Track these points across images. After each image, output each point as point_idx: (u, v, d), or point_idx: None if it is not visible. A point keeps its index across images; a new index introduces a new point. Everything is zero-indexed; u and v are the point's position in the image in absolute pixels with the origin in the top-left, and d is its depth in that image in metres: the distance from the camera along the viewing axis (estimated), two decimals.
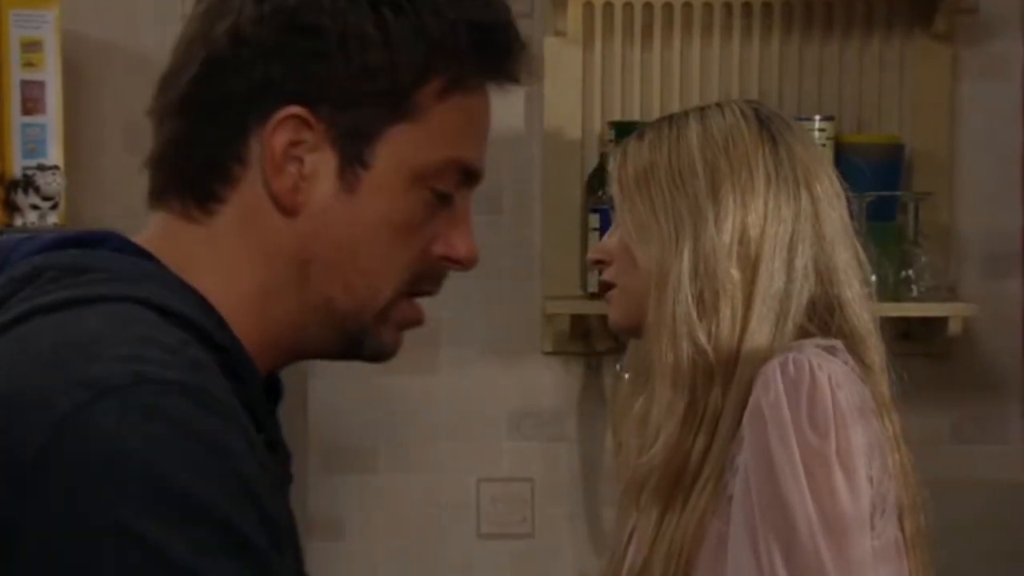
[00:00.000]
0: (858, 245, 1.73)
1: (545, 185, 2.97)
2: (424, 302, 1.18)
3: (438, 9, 1.12)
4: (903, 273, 2.86)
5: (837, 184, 1.75)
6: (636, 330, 1.76)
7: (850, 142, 2.91)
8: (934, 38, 2.97)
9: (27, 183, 2.74)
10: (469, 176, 1.16)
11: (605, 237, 1.80)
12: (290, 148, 1.11)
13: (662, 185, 1.70)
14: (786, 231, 1.69)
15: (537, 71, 1.16)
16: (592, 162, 2.94)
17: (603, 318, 2.90)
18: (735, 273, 1.67)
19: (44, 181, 2.74)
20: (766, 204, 1.69)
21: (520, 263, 2.98)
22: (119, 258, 1.10)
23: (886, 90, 2.99)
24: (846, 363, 1.65)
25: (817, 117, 2.86)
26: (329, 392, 2.92)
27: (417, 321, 1.17)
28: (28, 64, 2.75)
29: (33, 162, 2.75)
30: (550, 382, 3.00)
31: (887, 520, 1.66)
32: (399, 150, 1.12)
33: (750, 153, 1.71)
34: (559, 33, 2.93)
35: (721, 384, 1.66)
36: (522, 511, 3.01)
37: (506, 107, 3.07)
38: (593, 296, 2.85)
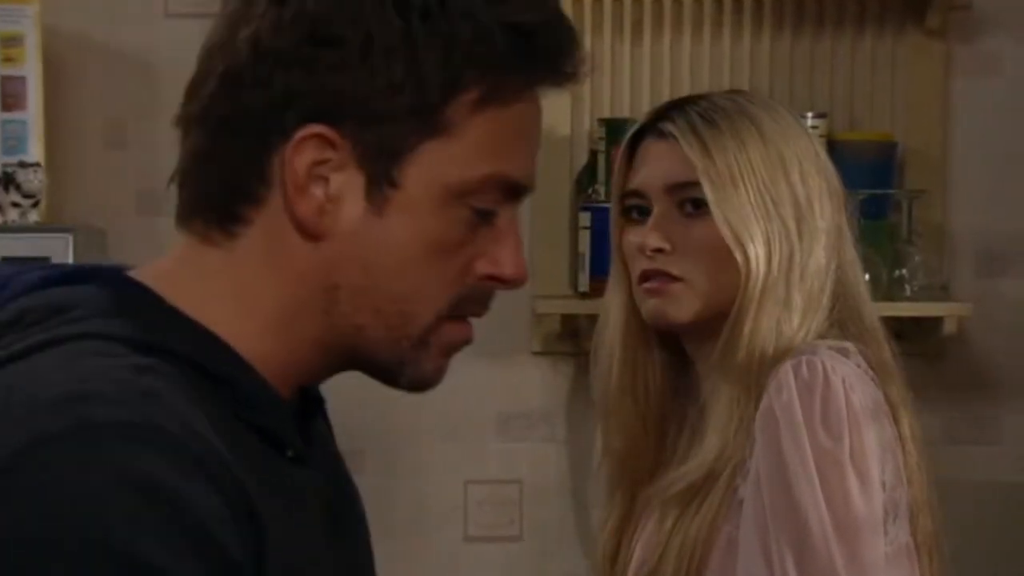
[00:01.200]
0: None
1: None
2: None
3: (472, 12, 1.04)
4: (896, 272, 2.83)
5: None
6: (697, 328, 1.69)
7: (843, 140, 2.88)
8: (927, 34, 2.95)
9: (8, 180, 2.70)
10: (514, 191, 1.08)
11: (657, 226, 1.70)
12: (313, 168, 1.04)
13: (762, 188, 1.66)
14: (835, 244, 1.70)
15: (590, 65, 1.09)
16: (581, 160, 2.91)
17: (592, 318, 2.90)
18: (817, 285, 1.67)
19: (25, 178, 2.71)
20: (831, 217, 1.69)
21: None
22: (101, 294, 1.06)
23: (878, 87, 2.97)
24: (859, 365, 1.64)
25: (809, 114, 2.83)
26: None
27: (465, 342, 1.11)
28: (8, 59, 2.71)
29: (14, 159, 2.71)
30: (539, 382, 2.97)
31: (899, 526, 1.65)
32: (431, 168, 1.04)
33: (820, 163, 1.70)
34: None
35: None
36: (510, 513, 2.99)
37: None
38: (584, 295, 2.83)
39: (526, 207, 2.96)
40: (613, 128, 2.80)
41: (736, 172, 1.66)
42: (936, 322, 2.85)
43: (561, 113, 2.91)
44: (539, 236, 2.93)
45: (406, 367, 1.09)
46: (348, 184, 1.04)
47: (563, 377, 2.97)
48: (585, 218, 2.83)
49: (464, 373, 2.99)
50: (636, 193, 1.73)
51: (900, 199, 2.87)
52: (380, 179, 1.04)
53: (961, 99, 2.98)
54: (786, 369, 1.60)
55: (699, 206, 1.68)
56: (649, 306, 1.70)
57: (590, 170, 2.87)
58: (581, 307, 2.84)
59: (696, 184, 1.67)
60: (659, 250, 1.68)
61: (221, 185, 1.06)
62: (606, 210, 2.78)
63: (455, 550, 2.98)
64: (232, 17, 1.06)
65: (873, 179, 2.83)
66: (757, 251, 1.65)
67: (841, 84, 2.96)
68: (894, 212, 2.87)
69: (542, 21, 1.05)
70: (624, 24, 2.94)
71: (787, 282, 1.65)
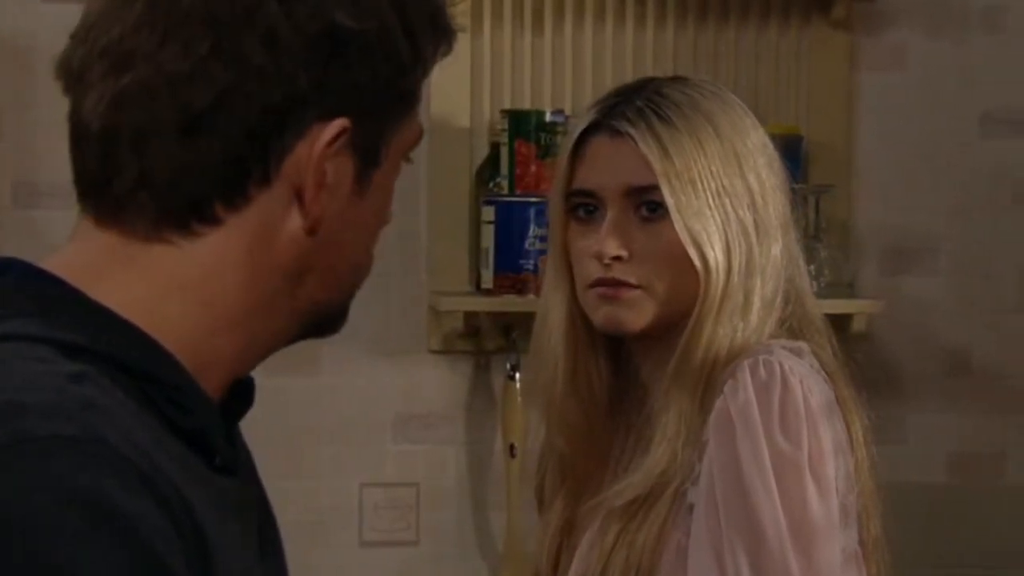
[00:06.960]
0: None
1: (431, 175, 2.87)
2: None
3: None
4: None
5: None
6: (655, 336, 1.64)
7: None
8: (832, 26, 2.94)
9: None
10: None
11: (614, 231, 1.63)
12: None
13: (720, 190, 1.62)
14: (787, 241, 1.68)
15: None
16: (482, 152, 2.86)
17: (494, 315, 2.85)
18: (773, 286, 1.64)
19: None
20: (783, 212, 1.67)
21: (405, 257, 2.89)
22: (21, 289, 0.99)
23: (783, 79, 2.96)
24: (811, 365, 1.61)
25: None
26: None
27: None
28: None
29: None
30: (436, 382, 2.92)
31: (849, 531, 1.63)
32: (400, 141, 1.06)
33: (770, 155, 1.67)
34: None
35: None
36: (407, 517, 2.93)
37: None
38: (488, 292, 2.77)
39: (423, 201, 2.92)
40: (518, 120, 2.75)
41: (695, 174, 1.62)
42: (843, 320, 2.82)
43: (460, 104, 2.87)
44: (438, 231, 2.88)
45: (344, 315, 1.09)
46: (343, 171, 1.03)
47: (462, 377, 2.92)
48: (489, 212, 2.77)
49: (359, 372, 2.96)
50: (586, 193, 1.66)
51: (807, 194, 2.84)
52: (370, 163, 1.04)
53: (866, 92, 2.97)
54: (743, 369, 1.56)
55: (655, 209, 1.63)
56: (602, 313, 1.63)
57: (492, 163, 2.81)
58: (484, 304, 2.79)
59: (655, 188, 1.62)
60: (617, 257, 1.63)
61: (205, 190, 1.00)
62: (511, 204, 2.76)
63: (350, 555, 2.92)
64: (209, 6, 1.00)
65: None
66: (716, 256, 1.61)
67: (745, 76, 2.93)
68: (800, 207, 2.83)
69: None
70: (525, 14, 2.89)
71: (746, 288, 1.62)
